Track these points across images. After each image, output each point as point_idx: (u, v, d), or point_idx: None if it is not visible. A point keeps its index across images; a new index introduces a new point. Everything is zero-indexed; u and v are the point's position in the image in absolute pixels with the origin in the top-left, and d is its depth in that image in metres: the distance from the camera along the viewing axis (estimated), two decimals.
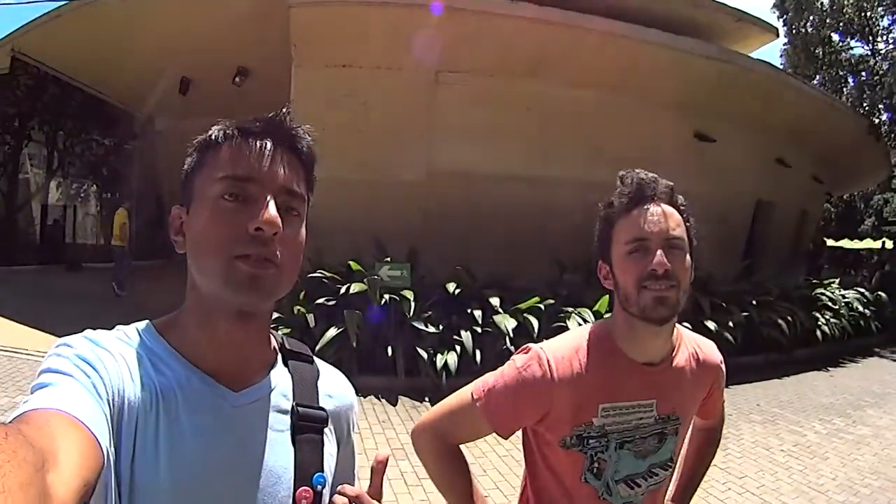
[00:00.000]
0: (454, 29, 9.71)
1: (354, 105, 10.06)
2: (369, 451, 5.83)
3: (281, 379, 1.07)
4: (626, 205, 1.43)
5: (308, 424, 1.05)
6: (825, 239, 14.26)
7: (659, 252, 1.36)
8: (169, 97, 13.98)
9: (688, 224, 1.46)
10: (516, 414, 1.48)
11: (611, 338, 1.49)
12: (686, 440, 1.79)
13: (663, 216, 1.40)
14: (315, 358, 1.17)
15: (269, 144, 0.97)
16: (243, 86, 12.02)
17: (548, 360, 1.43)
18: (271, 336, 1.11)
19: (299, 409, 1.05)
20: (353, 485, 1.10)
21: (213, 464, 0.93)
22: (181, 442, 0.90)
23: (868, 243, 31.25)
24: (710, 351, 1.65)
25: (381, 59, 10.08)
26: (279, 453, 1.00)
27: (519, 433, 1.58)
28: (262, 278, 0.94)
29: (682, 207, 1.47)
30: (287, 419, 1.04)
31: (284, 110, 1.03)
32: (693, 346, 1.61)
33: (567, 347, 1.48)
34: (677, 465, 1.73)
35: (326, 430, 1.09)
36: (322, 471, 1.04)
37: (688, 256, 1.42)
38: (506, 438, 1.51)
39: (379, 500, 0.99)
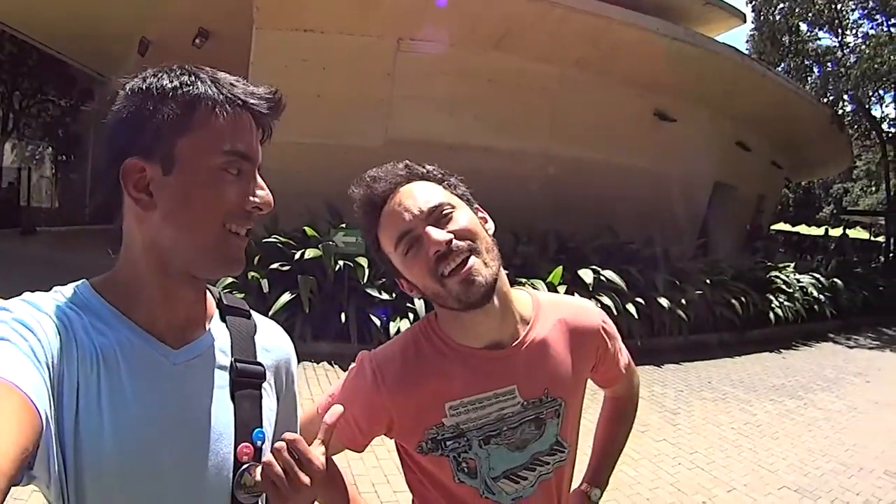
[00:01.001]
0: None
1: (315, 70, 9.93)
2: None
3: (219, 335, 1.07)
4: (371, 214, 1.29)
5: (247, 380, 1.05)
6: (761, 224, 14.41)
7: (428, 229, 1.20)
8: (127, 58, 13.66)
9: (445, 184, 1.32)
10: (359, 428, 1.34)
11: (440, 329, 1.34)
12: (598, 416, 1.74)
13: (408, 197, 1.25)
14: (252, 312, 1.17)
15: (255, 119, 0.99)
16: (203, 47, 11.83)
17: (374, 368, 1.31)
18: (208, 292, 1.11)
19: (238, 364, 1.05)
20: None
21: (156, 423, 0.92)
22: (123, 403, 0.90)
23: (823, 230, 31.94)
24: (584, 314, 1.47)
25: (344, 24, 9.94)
26: (220, 410, 1.00)
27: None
28: (243, 251, 1.00)
29: (430, 174, 1.32)
30: (226, 375, 1.03)
31: (273, 88, 1.03)
32: (559, 313, 1.42)
33: (395, 350, 1.35)
34: (588, 445, 1.63)
35: (265, 384, 1.08)
36: (261, 426, 1.04)
37: (464, 212, 1.27)
38: (360, 452, 1.40)
39: (326, 448, 0.98)
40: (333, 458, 1.35)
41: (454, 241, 1.19)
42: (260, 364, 1.08)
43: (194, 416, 0.97)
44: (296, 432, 1.17)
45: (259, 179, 0.99)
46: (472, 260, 1.20)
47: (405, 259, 1.24)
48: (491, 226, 1.33)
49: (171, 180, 0.94)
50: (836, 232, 31.61)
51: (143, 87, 0.94)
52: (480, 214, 1.33)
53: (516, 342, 1.33)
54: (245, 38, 9.84)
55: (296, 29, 9.90)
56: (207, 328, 1.06)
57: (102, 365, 0.89)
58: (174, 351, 0.98)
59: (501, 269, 1.28)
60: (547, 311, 1.40)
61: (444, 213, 1.23)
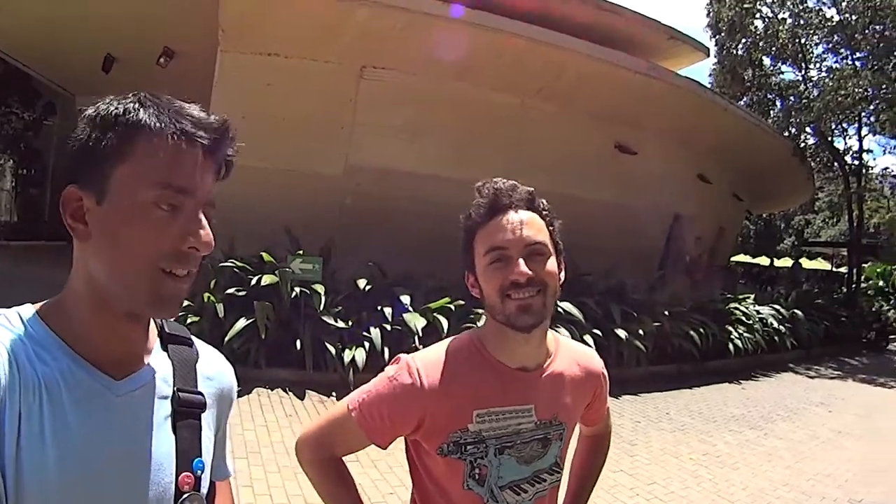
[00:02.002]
0: (384, 24, 9.71)
1: (277, 94, 9.91)
2: (276, 443, 5.78)
3: (161, 364, 1.05)
4: (484, 215, 1.42)
5: (188, 410, 1.05)
6: (702, 255, 14.60)
7: (520, 261, 1.36)
8: (92, 74, 13.53)
9: (551, 228, 1.46)
10: (391, 424, 1.45)
11: (482, 344, 1.48)
12: (573, 449, 1.85)
13: (521, 224, 1.39)
14: (194, 339, 1.16)
15: (207, 154, 0.94)
16: (168, 67, 11.76)
17: (417, 369, 1.42)
18: (151, 319, 1.08)
19: (180, 394, 1.04)
20: (224, 462, 1.24)
21: (100, 455, 0.91)
22: (66, 434, 0.88)
23: (786, 262, 32.40)
24: (591, 360, 1.66)
25: (309, 50, 9.98)
26: (162, 441, 1.00)
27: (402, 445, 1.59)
28: (180, 294, 0.95)
29: (544, 213, 1.46)
30: (168, 405, 1.03)
31: (227, 120, 0.99)
32: (573, 354, 1.61)
33: (437, 355, 1.47)
34: (567, 472, 1.74)
35: (205, 414, 1.08)
36: (201, 455, 1.04)
37: (552, 260, 1.41)
38: (384, 448, 1.50)
39: None
40: (345, 458, 1.56)
41: (532, 280, 1.36)
42: (200, 393, 1.08)
43: (136, 447, 0.96)
44: (226, 457, 1.25)
45: (201, 218, 0.94)
46: (537, 299, 1.37)
47: (488, 266, 1.40)
48: (563, 276, 1.48)
49: (103, 211, 0.92)
50: (787, 262, 32.21)
51: (93, 113, 0.93)
52: (562, 265, 1.48)
53: (540, 369, 1.51)
54: (210, 60, 9.83)
55: (260, 53, 9.92)
56: (150, 358, 1.04)
57: (45, 395, 0.88)
58: (116, 382, 0.96)
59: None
60: (564, 349, 1.59)
61: (539, 252, 1.39)
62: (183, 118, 0.93)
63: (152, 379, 1.02)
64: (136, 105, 0.92)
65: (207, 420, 1.09)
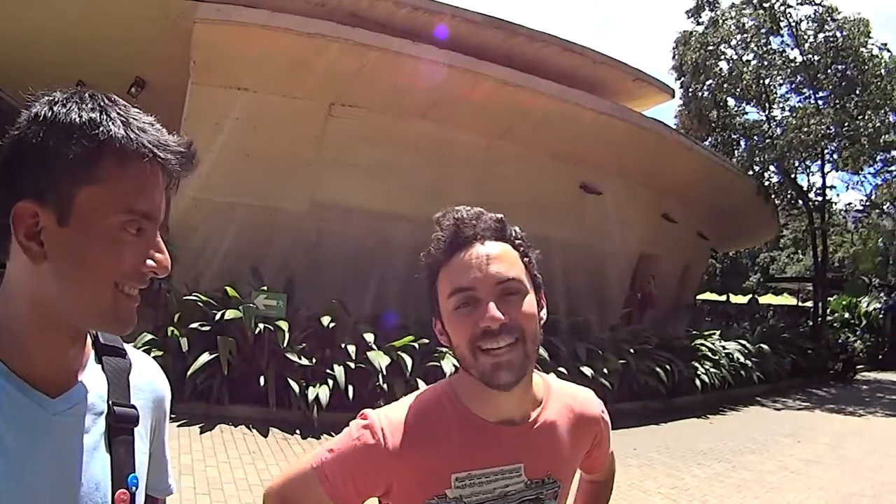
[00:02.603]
0: (353, 63, 9.80)
1: (245, 129, 9.93)
2: (239, 480, 5.73)
3: (96, 378, 1.01)
4: (445, 251, 1.23)
5: (122, 426, 1.02)
6: (651, 291, 14.78)
7: (490, 304, 1.16)
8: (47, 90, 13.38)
9: (526, 260, 1.26)
10: (354, 487, 1.27)
11: (456, 397, 1.29)
12: (571, 499, 1.63)
13: (489, 259, 1.19)
14: (127, 348, 1.11)
15: (168, 178, 0.93)
16: (138, 97, 11.73)
17: (382, 428, 1.23)
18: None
19: (115, 409, 1.01)
20: (165, 477, 1.19)
21: (36, 477, 0.88)
22: (4, 456, 0.85)
23: (742, 299, 32.76)
24: (588, 403, 1.46)
25: (278, 85, 10.04)
26: (97, 458, 0.97)
27: None
28: (134, 311, 0.94)
29: (517, 242, 1.26)
30: (103, 421, 1.00)
31: (192, 143, 0.96)
32: (566, 399, 1.41)
33: (406, 411, 1.28)
34: None
35: (138, 427, 1.05)
36: (135, 471, 1.01)
37: (529, 299, 1.22)
38: None
39: None
40: None
41: (507, 327, 1.16)
42: (133, 407, 1.04)
43: (73, 467, 0.93)
44: (166, 472, 1.20)
45: (159, 241, 0.92)
46: (513, 351, 1.17)
47: (453, 312, 1.20)
48: (545, 315, 1.28)
49: (65, 233, 0.86)
50: (763, 299, 32.61)
51: (49, 116, 0.86)
52: (542, 303, 1.28)
53: (528, 422, 1.30)
54: (181, 92, 9.86)
55: (230, 86, 9.96)
56: (84, 373, 1.00)
57: None
58: (52, 400, 0.92)
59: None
60: (556, 395, 1.38)
61: (513, 290, 1.19)
62: (147, 135, 0.89)
63: (87, 395, 0.98)
64: (102, 116, 0.87)
65: (140, 433, 1.06)
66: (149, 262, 0.91)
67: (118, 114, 0.88)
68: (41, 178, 0.85)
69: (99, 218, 0.86)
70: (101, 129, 0.85)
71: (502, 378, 1.17)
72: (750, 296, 29.38)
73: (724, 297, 31.45)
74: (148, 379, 1.12)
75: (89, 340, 1.04)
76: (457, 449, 1.25)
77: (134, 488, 1.00)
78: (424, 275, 1.28)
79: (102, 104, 0.89)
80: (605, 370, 10.13)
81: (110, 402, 1.01)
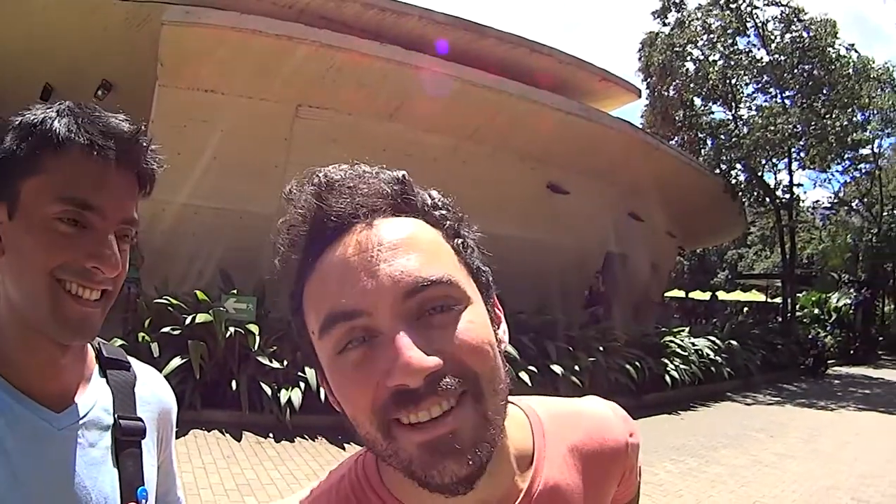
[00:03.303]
0: (321, 64, 9.80)
1: (213, 131, 9.87)
2: (214, 485, 5.68)
3: (101, 392, 1.01)
4: (305, 248, 0.68)
5: (129, 439, 1.00)
6: (600, 288, 14.82)
7: (399, 338, 0.59)
8: (31, 102, 13.22)
9: (458, 242, 0.70)
10: None
11: (382, 486, 0.73)
12: None
13: (382, 251, 0.63)
14: (132, 360, 1.10)
15: (117, 167, 0.88)
16: (105, 100, 11.63)
17: None
18: (88, 344, 1.02)
19: (121, 422, 0.99)
20: (174, 489, 1.16)
21: (45, 493, 0.87)
22: (11, 474, 0.85)
23: (704, 295, 33.14)
24: (604, 432, 0.88)
25: (245, 87, 10.01)
26: (105, 472, 0.96)
27: None
28: (91, 318, 0.89)
29: (437, 213, 0.70)
30: (109, 435, 0.98)
31: (143, 127, 0.93)
32: (569, 436, 0.84)
33: None
34: None
35: (146, 440, 1.04)
36: (144, 484, 1.00)
37: (473, 310, 0.65)
38: None
39: None
40: None
41: (442, 377, 0.59)
42: (140, 419, 1.03)
43: (81, 482, 0.92)
44: (175, 483, 1.19)
45: (111, 240, 0.86)
46: (462, 415, 0.61)
47: (336, 357, 0.63)
48: (504, 333, 0.73)
49: (13, 226, 0.87)
50: (732, 296, 32.99)
51: (16, 122, 0.88)
52: (497, 313, 0.74)
53: (518, 494, 0.74)
54: (148, 94, 9.80)
55: (197, 89, 9.92)
56: (88, 386, 0.99)
57: None
58: (57, 415, 0.92)
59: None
60: (553, 437, 0.81)
61: (438, 305, 0.62)
62: (94, 128, 0.86)
63: (92, 409, 0.97)
64: (54, 115, 0.87)
65: (148, 445, 1.04)
66: (93, 258, 0.85)
67: (72, 112, 0.88)
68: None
69: (35, 208, 0.86)
70: (45, 124, 0.86)
71: (445, 470, 0.60)
72: (710, 293, 29.62)
73: (683, 294, 31.71)
74: (153, 391, 1.11)
75: (92, 354, 1.04)
76: None
77: (144, 501, 0.99)
78: (284, 302, 0.73)
79: (63, 108, 0.89)
80: (576, 367, 10.14)
81: (116, 416, 1.00)
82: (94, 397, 0.99)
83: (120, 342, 7.83)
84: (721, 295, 33.56)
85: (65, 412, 0.94)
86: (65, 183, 0.85)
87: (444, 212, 0.70)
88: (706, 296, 31.47)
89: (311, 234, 0.66)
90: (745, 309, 30.76)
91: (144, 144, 0.92)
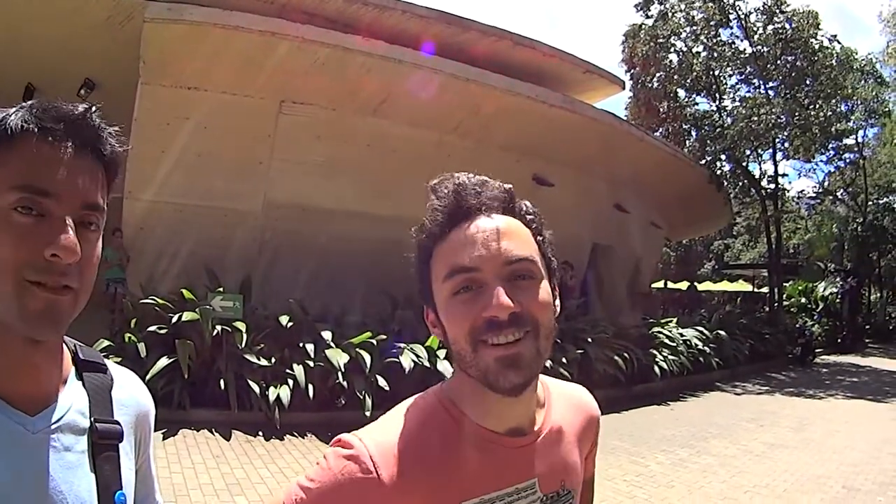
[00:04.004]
0: (304, 60, 9.78)
1: (196, 129, 9.84)
2: (204, 486, 5.65)
3: (77, 395, 0.99)
4: (442, 223, 1.00)
5: (105, 442, 0.98)
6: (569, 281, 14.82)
7: (498, 289, 0.93)
8: (12, 103, 13.10)
9: (540, 239, 1.04)
10: None
11: (454, 406, 1.05)
12: None
13: (498, 234, 0.97)
14: (108, 363, 1.08)
15: (70, 150, 0.87)
16: (88, 98, 11.54)
17: (371, 458, 0.97)
18: (64, 346, 1.01)
19: (98, 426, 0.98)
20: (153, 493, 1.15)
21: (20, 497, 0.86)
22: None
23: (707, 286, 33.32)
24: (584, 399, 1.27)
25: (228, 84, 9.95)
26: (81, 477, 0.94)
27: None
28: (58, 307, 0.86)
29: (529, 218, 1.05)
30: (85, 438, 0.96)
31: (93, 107, 0.91)
32: (565, 397, 1.21)
33: (397, 432, 1.01)
34: None
35: (122, 443, 1.02)
36: (122, 488, 0.98)
37: (545, 285, 1.00)
38: None
39: None
40: None
41: (519, 317, 0.93)
42: (117, 423, 1.01)
43: (57, 487, 0.89)
44: (153, 487, 1.17)
45: (67, 223, 0.85)
46: (526, 345, 0.94)
47: (451, 298, 0.97)
48: (558, 304, 1.06)
49: None
50: (718, 286, 33.15)
51: None
52: (556, 291, 1.06)
53: (536, 428, 1.09)
54: (131, 93, 9.73)
55: (180, 86, 9.86)
56: (64, 389, 0.97)
57: None
58: (31, 418, 0.90)
59: None
60: (556, 393, 1.18)
61: (526, 274, 0.97)
62: (47, 115, 0.87)
63: (68, 412, 0.95)
64: (11, 111, 0.87)
65: (126, 449, 1.03)
66: (50, 246, 0.84)
67: (28, 106, 0.88)
68: None
69: None
70: (5, 119, 0.86)
71: (510, 379, 0.93)
72: (688, 284, 29.72)
73: (669, 285, 31.76)
74: (131, 394, 1.10)
75: (68, 356, 1.02)
76: (464, 471, 1.01)
77: None
78: (415, 253, 1.06)
79: (22, 105, 0.89)
80: (564, 360, 10.11)
81: (92, 419, 0.98)
82: (70, 400, 0.97)
83: (106, 343, 7.85)
84: (707, 285, 33.75)
85: (39, 415, 0.92)
86: (18, 172, 0.84)
87: (532, 217, 1.05)
88: (674, 286, 31.55)
89: (448, 214, 1.00)
90: (738, 299, 30.78)
91: (96, 123, 0.91)
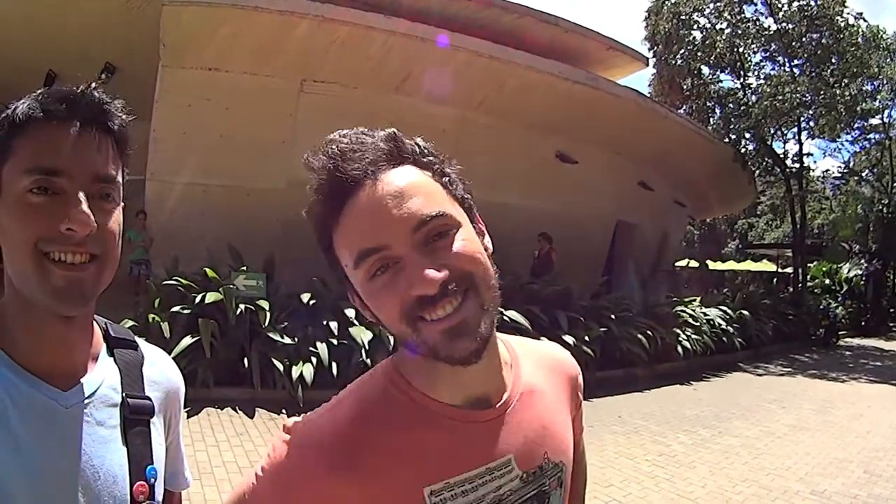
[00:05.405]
0: (324, 38, 9.74)
1: (218, 109, 9.86)
2: (228, 463, 5.69)
3: (108, 371, 1.02)
4: (329, 204, 0.89)
5: (137, 417, 1.01)
6: (551, 256, 14.56)
7: (417, 262, 0.83)
8: (34, 90, 13.22)
9: (446, 180, 0.92)
10: None
11: (407, 383, 0.95)
12: None
13: (397, 198, 0.85)
14: (139, 341, 1.12)
15: (76, 128, 0.89)
16: (109, 83, 11.60)
17: (318, 445, 0.90)
18: (95, 324, 1.04)
19: (129, 401, 1.00)
20: (182, 470, 1.18)
21: (54, 473, 0.88)
22: (18, 455, 0.86)
23: (731, 265, 33.02)
24: (559, 357, 1.18)
25: (249, 64, 9.95)
26: (113, 451, 0.96)
27: None
28: (81, 282, 0.89)
29: (424, 160, 0.92)
30: (117, 413, 0.99)
31: (93, 84, 0.94)
32: (537, 356, 1.11)
33: (346, 416, 0.93)
34: None
35: (154, 419, 1.05)
36: (153, 462, 1.01)
37: (465, 230, 0.89)
38: None
39: None
40: None
41: (449, 283, 0.83)
42: (148, 398, 1.04)
43: (90, 461, 0.93)
44: (182, 464, 1.20)
45: (80, 198, 0.87)
46: (468, 307, 0.85)
47: (367, 282, 0.87)
48: (489, 242, 0.95)
49: (0, 212, 0.90)
50: (742, 266, 32.85)
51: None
52: (480, 227, 0.96)
53: (505, 396, 0.98)
54: (152, 76, 9.77)
55: (200, 67, 9.87)
56: (96, 365, 1.00)
57: None
58: (63, 393, 0.93)
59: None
60: (525, 354, 1.08)
61: (441, 231, 0.86)
62: (52, 99, 0.90)
63: (100, 387, 0.99)
64: (25, 100, 0.91)
65: (156, 425, 1.06)
66: (65, 220, 0.86)
67: (39, 94, 0.91)
68: None
69: (11, 187, 0.88)
70: (14, 109, 0.90)
71: (462, 347, 0.85)
72: (698, 263, 29.48)
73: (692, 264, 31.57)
74: (161, 371, 1.12)
75: (99, 333, 1.05)
76: (425, 454, 0.92)
77: (153, 480, 1.00)
78: (320, 244, 0.95)
79: (44, 91, 0.92)
80: (587, 338, 10.10)
81: (124, 394, 1.01)
82: (102, 376, 1.00)
83: (131, 323, 7.88)
84: (731, 265, 33.46)
85: (72, 390, 0.95)
86: (28, 156, 0.88)
87: (431, 157, 0.93)
88: (715, 265, 31.32)
89: (331, 192, 0.88)
90: (774, 280, 30.45)
91: (98, 99, 0.93)
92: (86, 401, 0.96)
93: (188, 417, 6.91)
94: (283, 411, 7.48)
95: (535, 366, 1.07)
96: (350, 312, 8.56)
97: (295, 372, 7.75)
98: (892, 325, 24.28)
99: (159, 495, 1.02)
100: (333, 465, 0.88)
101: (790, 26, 19.60)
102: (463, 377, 0.91)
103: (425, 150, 0.93)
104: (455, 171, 0.96)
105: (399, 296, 0.84)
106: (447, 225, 0.86)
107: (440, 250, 0.84)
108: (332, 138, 0.90)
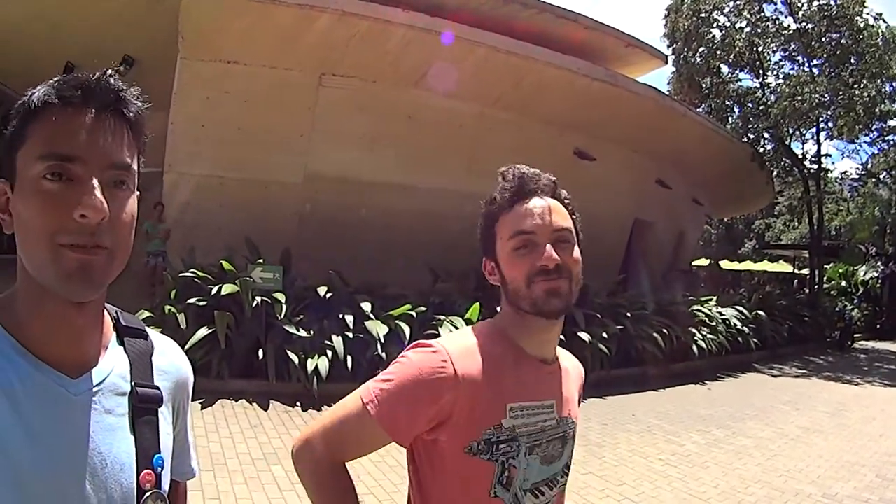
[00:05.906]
0: (344, 33, 9.72)
1: (236, 102, 9.88)
2: (241, 455, 5.71)
3: (118, 359, 1.02)
4: (509, 199, 1.37)
5: (146, 406, 1.02)
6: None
7: (548, 247, 1.30)
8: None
9: (574, 217, 1.40)
10: (416, 418, 1.27)
11: (506, 335, 1.39)
12: None
13: (548, 210, 1.34)
14: (148, 330, 1.12)
15: (91, 114, 0.89)
16: (128, 76, 11.62)
17: (449, 356, 1.27)
18: (105, 313, 1.04)
19: (138, 390, 1.01)
20: (188, 460, 1.19)
21: (62, 460, 0.89)
22: (29, 441, 0.86)
23: (748, 265, 32.79)
24: (572, 356, 1.60)
25: (268, 57, 9.95)
26: (121, 439, 0.97)
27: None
28: (92, 267, 0.88)
29: (566, 201, 1.41)
30: (125, 402, 1.00)
31: (109, 71, 0.93)
32: (563, 352, 1.54)
33: (468, 342, 1.36)
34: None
35: (162, 408, 1.05)
36: (160, 451, 1.01)
37: (576, 249, 1.36)
38: (405, 447, 1.34)
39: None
40: (347, 465, 1.39)
41: (561, 267, 1.30)
42: (157, 388, 1.05)
43: (98, 449, 0.93)
44: (189, 455, 1.21)
45: (93, 184, 0.87)
46: (564, 284, 1.30)
47: (512, 253, 1.34)
48: (581, 259, 1.39)
49: (15, 199, 0.91)
50: (758, 266, 32.62)
51: (15, 104, 0.92)
52: (580, 251, 1.41)
53: (555, 363, 1.44)
54: (170, 68, 9.79)
55: (219, 60, 9.88)
56: (105, 353, 1.01)
57: (6, 402, 0.86)
58: (73, 381, 0.93)
59: None
60: (558, 349, 1.49)
61: (566, 239, 1.34)
62: (66, 85, 0.90)
63: (109, 376, 0.99)
64: (41, 86, 0.91)
65: (164, 414, 1.06)
66: (78, 207, 0.86)
67: (53, 81, 0.91)
68: (3, 157, 0.92)
69: (26, 174, 0.88)
70: (29, 97, 0.90)
71: (554, 304, 1.29)
72: (709, 261, 29.30)
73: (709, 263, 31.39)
74: (171, 361, 1.13)
75: (109, 322, 1.05)
76: (511, 380, 1.34)
77: (159, 469, 1.01)
78: (482, 219, 1.43)
79: (57, 78, 0.92)
80: (604, 335, 10.10)
81: (133, 383, 1.01)
82: (112, 364, 1.01)
83: (147, 314, 7.93)
84: (748, 265, 33.24)
85: (81, 378, 0.95)
86: (43, 142, 0.88)
87: (569, 201, 1.41)
88: (732, 265, 31.13)
89: (513, 193, 1.36)
90: (795, 282, 30.24)
91: (114, 86, 0.92)
92: (95, 389, 0.96)
93: (202, 409, 6.95)
94: (298, 404, 7.50)
95: (565, 358, 1.52)
96: (366, 306, 8.58)
97: (310, 365, 7.75)
98: None
99: (166, 484, 1.03)
100: (458, 371, 1.27)
101: (810, 26, 19.44)
102: (542, 339, 1.40)
103: (567, 197, 1.42)
104: (579, 215, 1.42)
105: (529, 264, 1.31)
106: (570, 239, 1.35)
107: (562, 250, 1.31)
108: (518, 166, 1.40)
